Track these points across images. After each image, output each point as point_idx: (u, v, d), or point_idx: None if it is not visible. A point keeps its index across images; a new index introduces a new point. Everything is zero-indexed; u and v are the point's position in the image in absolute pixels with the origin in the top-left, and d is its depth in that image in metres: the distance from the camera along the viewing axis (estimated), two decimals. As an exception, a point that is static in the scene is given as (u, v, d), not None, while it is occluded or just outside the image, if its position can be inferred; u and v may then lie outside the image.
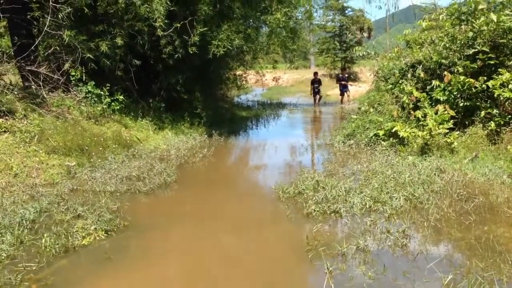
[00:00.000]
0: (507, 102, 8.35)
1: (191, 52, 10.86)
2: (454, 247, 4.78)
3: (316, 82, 22.17)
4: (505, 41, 8.86)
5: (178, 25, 10.82)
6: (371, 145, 9.46)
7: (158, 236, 5.35)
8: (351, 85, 23.90)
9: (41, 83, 9.67)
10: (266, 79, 26.79)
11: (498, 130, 8.20)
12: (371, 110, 11.11)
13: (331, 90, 25.58)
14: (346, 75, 23.10)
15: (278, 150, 10.85)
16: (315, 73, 23.01)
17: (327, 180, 6.86)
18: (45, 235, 4.88)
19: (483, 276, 3.95)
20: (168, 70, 12.14)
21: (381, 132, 9.56)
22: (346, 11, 33.78)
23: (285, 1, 11.95)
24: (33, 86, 9.69)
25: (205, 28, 10.97)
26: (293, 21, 13.89)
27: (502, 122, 8.25)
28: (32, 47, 9.63)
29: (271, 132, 14.18)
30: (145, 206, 6.46)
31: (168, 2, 10.38)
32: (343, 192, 6.23)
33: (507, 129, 8.15)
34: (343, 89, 21.87)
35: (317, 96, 22.27)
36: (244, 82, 20.12)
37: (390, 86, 11.01)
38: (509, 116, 8.30)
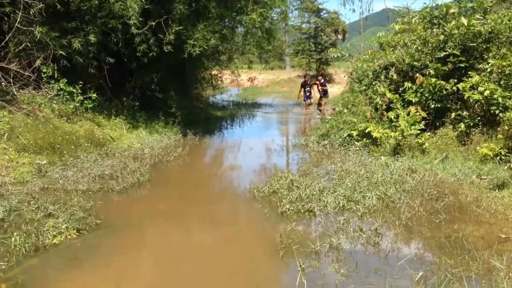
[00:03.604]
0: (476, 104, 8.56)
1: (166, 50, 10.79)
2: (424, 245, 4.88)
3: (307, 85, 19.89)
4: (475, 44, 9.09)
5: (153, 23, 10.74)
6: (345, 146, 9.57)
7: (131, 234, 5.30)
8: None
9: (11, 80, 9.46)
10: (241, 79, 26.75)
11: (468, 131, 8.41)
12: (345, 111, 11.23)
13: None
14: (322, 80, 20.86)
15: (253, 150, 10.86)
16: (306, 75, 21.86)
17: (302, 179, 6.90)
18: (14, 233, 4.77)
19: (453, 272, 4.04)
20: (143, 68, 12.03)
21: (354, 133, 9.68)
22: (321, 13, 34.12)
23: (260, 1, 11.97)
24: (3, 83, 9.46)
25: (181, 27, 10.90)
26: (269, 21, 13.94)
27: (471, 124, 8.46)
28: (2, 43, 9.42)
29: (246, 132, 14.19)
30: (118, 205, 6.38)
31: (143, 0, 10.29)
32: (317, 191, 6.27)
33: (476, 131, 8.36)
34: (325, 94, 19.79)
35: (308, 101, 19.98)
36: (219, 82, 20.08)
37: (364, 87, 11.16)
38: (478, 118, 8.53)
